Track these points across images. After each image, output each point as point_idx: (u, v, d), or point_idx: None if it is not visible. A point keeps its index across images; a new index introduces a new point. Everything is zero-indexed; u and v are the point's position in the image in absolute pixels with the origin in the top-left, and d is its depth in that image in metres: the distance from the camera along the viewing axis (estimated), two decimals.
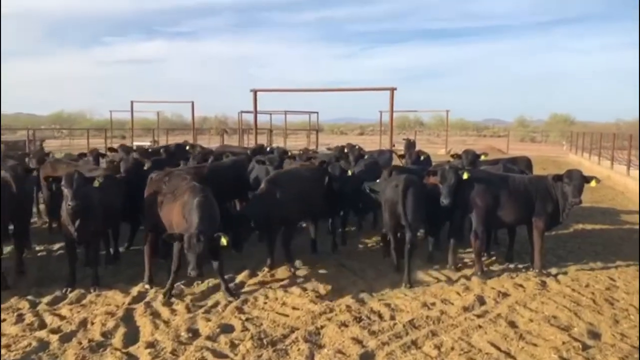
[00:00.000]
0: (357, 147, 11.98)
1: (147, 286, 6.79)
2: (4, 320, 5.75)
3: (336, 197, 8.56)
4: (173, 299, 6.44)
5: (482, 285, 7.02)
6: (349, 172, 8.87)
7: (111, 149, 11.25)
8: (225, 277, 6.73)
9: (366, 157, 11.46)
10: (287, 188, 7.53)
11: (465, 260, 8.13)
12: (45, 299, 6.38)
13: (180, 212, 6.37)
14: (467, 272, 7.60)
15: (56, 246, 8.61)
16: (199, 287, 6.88)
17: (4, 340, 5.21)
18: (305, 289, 6.82)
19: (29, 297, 6.41)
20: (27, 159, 10.18)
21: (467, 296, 6.60)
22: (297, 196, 7.58)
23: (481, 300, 6.46)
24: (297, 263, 7.88)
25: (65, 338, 5.29)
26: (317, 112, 30.73)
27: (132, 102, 23.89)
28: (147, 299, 6.45)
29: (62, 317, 5.87)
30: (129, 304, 6.28)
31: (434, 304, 6.38)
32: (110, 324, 5.62)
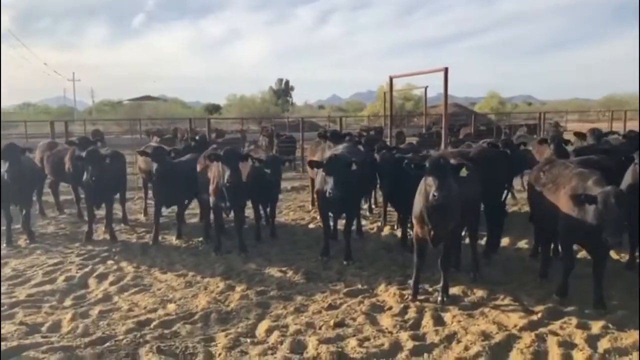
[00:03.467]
0: None
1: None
2: (391, 308, 5.53)
3: None
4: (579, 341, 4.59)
5: None
6: None
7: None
8: None
9: None
10: None
11: None
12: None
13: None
14: None
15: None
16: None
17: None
18: None
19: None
20: None
21: None
22: None
23: None
24: None
25: (420, 350, 4.55)
26: None
27: None
28: (546, 328, 4.86)
29: (440, 323, 5.14)
30: (520, 328, 4.88)
31: None
32: (474, 349, 4.47)
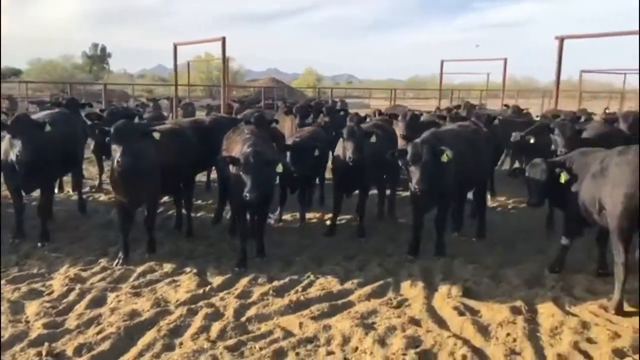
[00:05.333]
0: None
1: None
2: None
3: None
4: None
5: None
6: None
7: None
8: None
9: None
10: None
11: None
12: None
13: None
14: None
15: None
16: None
17: None
18: None
19: None
20: None
21: None
22: None
23: None
24: None
25: (42, 340, 4.03)
26: None
27: (442, 62, 21.94)
28: (205, 301, 4.69)
29: (98, 304, 4.67)
30: (179, 304, 4.64)
31: None
32: (109, 330, 4.09)
